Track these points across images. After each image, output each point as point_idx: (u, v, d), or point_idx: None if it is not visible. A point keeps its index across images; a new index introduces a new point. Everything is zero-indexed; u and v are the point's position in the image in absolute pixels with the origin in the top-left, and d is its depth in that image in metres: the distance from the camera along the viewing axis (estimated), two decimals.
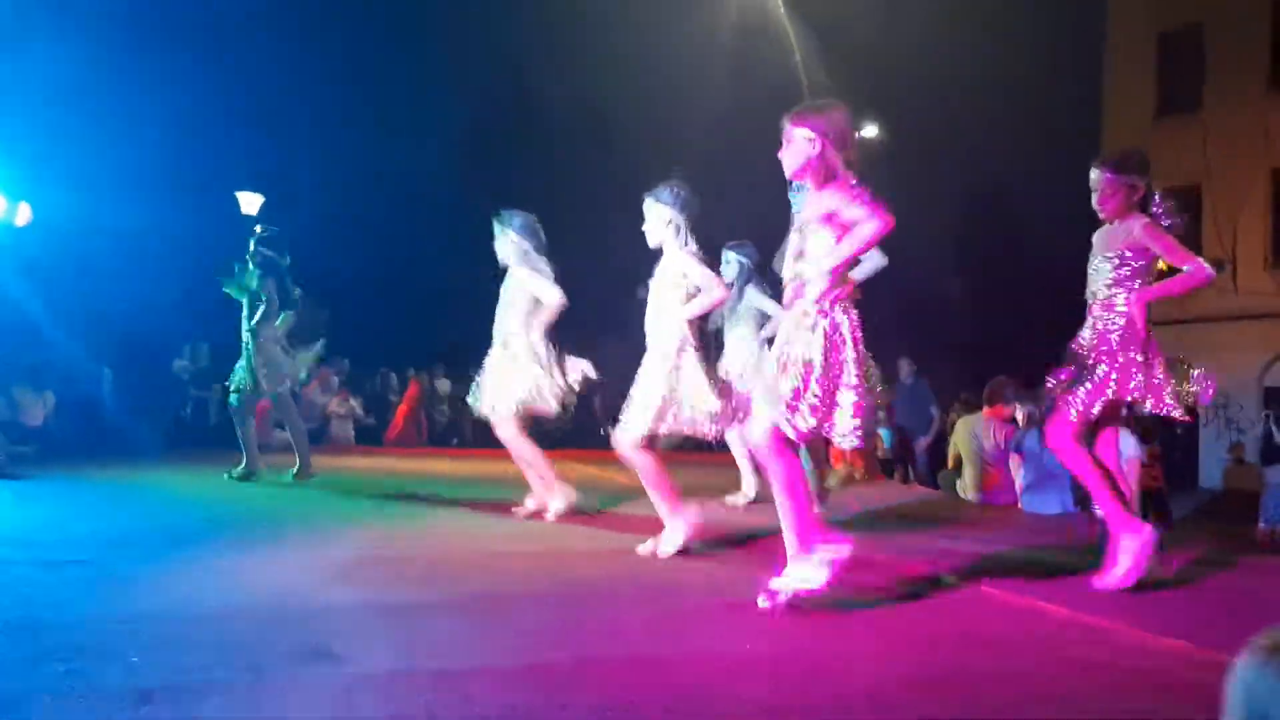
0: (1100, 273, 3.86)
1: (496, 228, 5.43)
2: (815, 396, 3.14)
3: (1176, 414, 3.73)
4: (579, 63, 17.93)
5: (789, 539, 3.25)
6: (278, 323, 6.90)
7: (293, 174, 16.87)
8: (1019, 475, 6.62)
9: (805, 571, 3.18)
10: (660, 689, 2.46)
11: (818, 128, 3.30)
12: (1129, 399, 3.75)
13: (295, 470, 6.94)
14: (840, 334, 3.19)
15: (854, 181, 3.27)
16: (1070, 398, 3.80)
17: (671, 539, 4.25)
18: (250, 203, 16.28)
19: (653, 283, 4.45)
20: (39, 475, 7.09)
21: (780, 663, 2.72)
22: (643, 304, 4.49)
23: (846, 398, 3.18)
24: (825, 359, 3.15)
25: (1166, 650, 2.94)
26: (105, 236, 13.12)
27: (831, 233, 3.26)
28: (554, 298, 5.24)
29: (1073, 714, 2.40)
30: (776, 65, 16.63)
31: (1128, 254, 3.79)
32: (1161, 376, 3.73)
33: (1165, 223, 3.81)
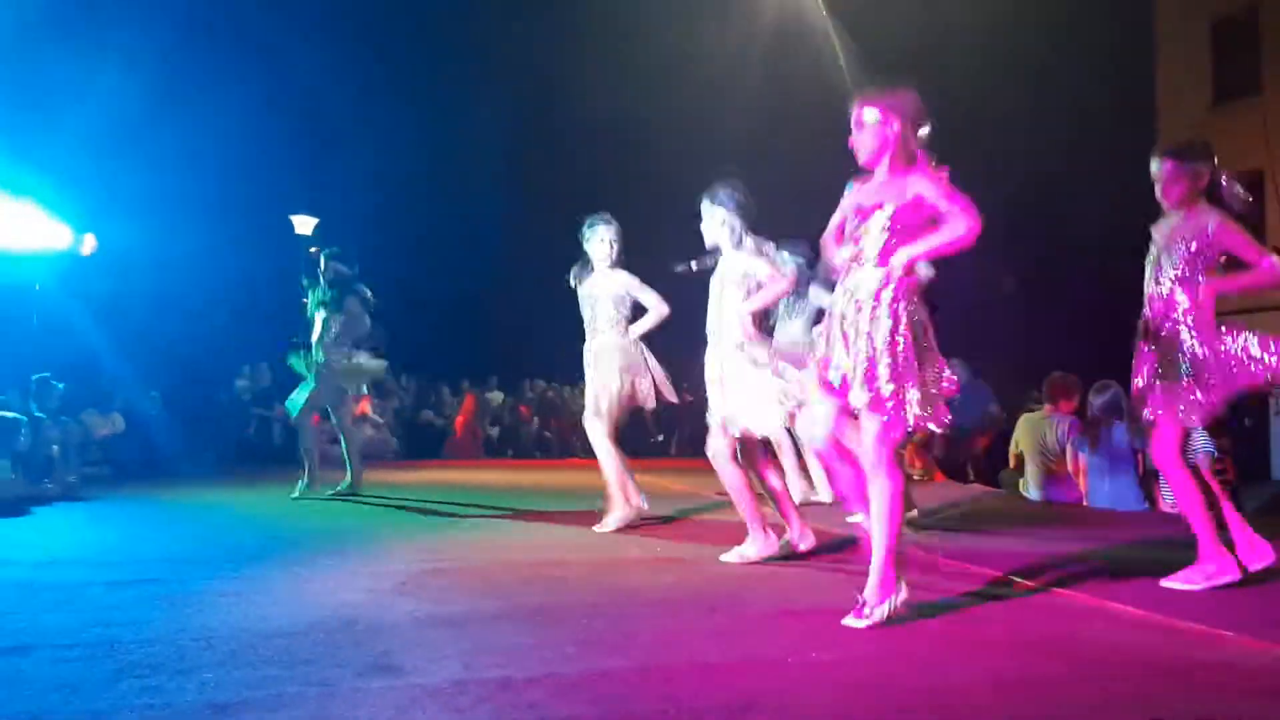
0: (1165, 266, 3.73)
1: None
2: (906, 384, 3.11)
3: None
4: (622, 72, 18.01)
5: (877, 560, 3.14)
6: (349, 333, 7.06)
7: (344, 195, 17.17)
8: (1084, 472, 6.49)
9: (885, 607, 3.10)
10: (725, 696, 2.44)
11: (894, 109, 3.23)
12: (1242, 388, 3.63)
13: (347, 482, 7.06)
14: (907, 321, 3.14)
15: (937, 168, 3.22)
16: (1171, 412, 3.67)
17: (747, 549, 4.28)
18: (304, 225, 16.59)
19: (713, 284, 4.46)
20: (108, 496, 7.29)
21: (847, 669, 2.69)
22: (689, 277, 4.51)
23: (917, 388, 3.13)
24: (894, 343, 3.11)
25: (1243, 648, 2.87)
26: (166, 262, 13.46)
27: (905, 217, 3.19)
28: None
29: (1151, 716, 2.34)
30: (817, 67, 16.55)
31: (1197, 247, 3.66)
32: (1244, 352, 3.62)
33: (1236, 207, 3.70)
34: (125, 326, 11.88)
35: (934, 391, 3.17)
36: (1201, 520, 3.68)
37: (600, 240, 5.44)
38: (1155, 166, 3.77)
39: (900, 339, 3.11)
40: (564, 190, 18.93)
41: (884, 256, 3.17)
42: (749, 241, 4.38)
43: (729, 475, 4.34)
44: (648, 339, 5.45)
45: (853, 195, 3.37)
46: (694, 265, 4.56)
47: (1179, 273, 3.69)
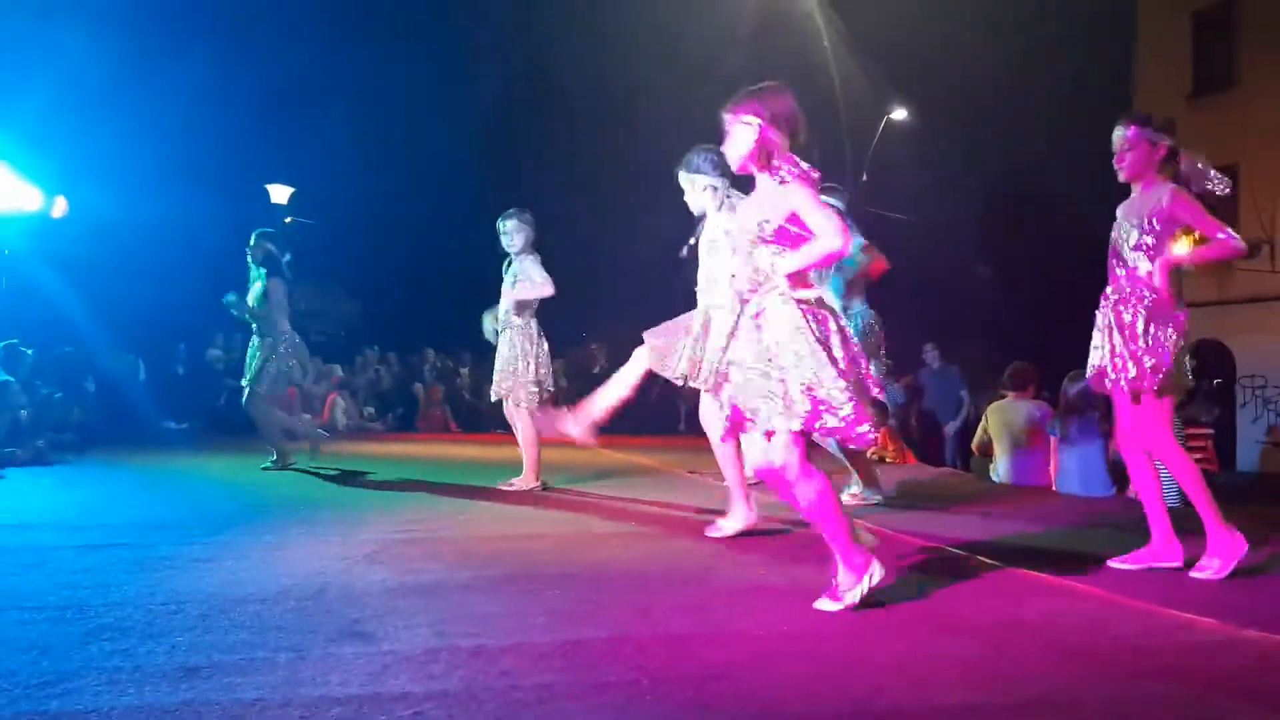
0: (1126, 241, 3.76)
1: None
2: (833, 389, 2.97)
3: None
4: (603, 49, 17.91)
5: (838, 555, 3.07)
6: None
7: (322, 165, 16.98)
8: (1054, 456, 6.57)
9: (858, 590, 3.03)
10: (695, 667, 2.47)
11: (757, 112, 3.13)
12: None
13: (274, 459, 6.99)
14: (811, 335, 3.01)
15: (807, 171, 3.11)
16: (1150, 387, 3.67)
17: (731, 523, 4.34)
18: (280, 194, 16.40)
19: (701, 250, 4.48)
20: (78, 462, 7.23)
21: (816, 643, 2.72)
22: (685, 263, 4.52)
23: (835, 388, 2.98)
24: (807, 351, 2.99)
25: (1205, 630, 2.93)
26: (138, 226, 13.28)
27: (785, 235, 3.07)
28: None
29: (1111, 694, 2.39)
30: (801, 49, 16.53)
31: (1154, 222, 3.68)
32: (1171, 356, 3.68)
33: (1196, 188, 3.72)
34: (97, 292, 11.73)
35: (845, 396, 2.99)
36: (1202, 495, 3.71)
37: (503, 233, 5.85)
38: (1117, 133, 3.79)
39: (804, 354, 2.99)
40: (551, 161, 18.87)
41: (793, 277, 3.06)
42: (732, 201, 4.37)
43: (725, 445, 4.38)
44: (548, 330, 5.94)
45: (742, 209, 3.30)
46: (689, 247, 4.59)
47: (1141, 246, 3.71)
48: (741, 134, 3.17)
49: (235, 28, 17.36)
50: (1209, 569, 3.63)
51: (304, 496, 5.71)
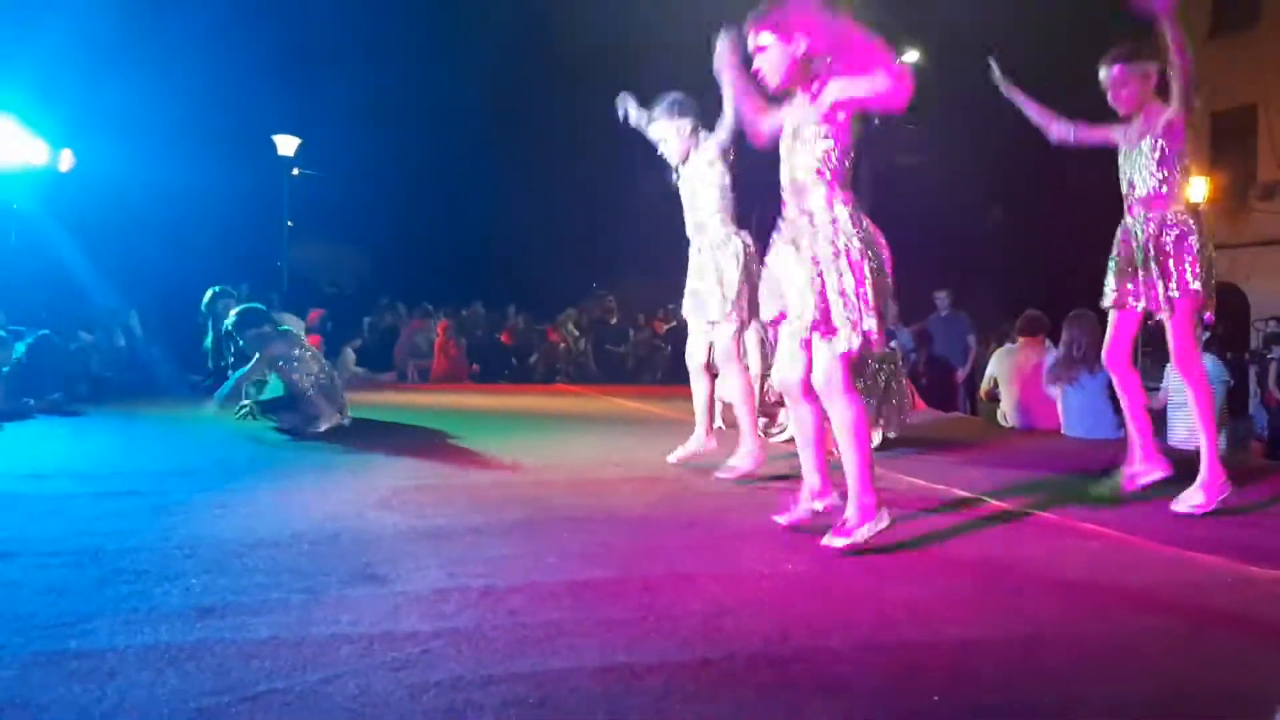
0: (1140, 167, 3.81)
1: None
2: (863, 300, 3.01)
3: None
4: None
5: (853, 486, 3.07)
6: None
7: (330, 116, 16.84)
8: (1060, 400, 6.56)
9: (866, 529, 3.03)
10: (701, 603, 2.51)
11: (791, 25, 3.07)
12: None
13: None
14: (858, 239, 3.04)
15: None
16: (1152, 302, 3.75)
17: (740, 461, 4.44)
18: (287, 145, 16.30)
19: (684, 192, 4.59)
20: (92, 413, 7.28)
21: (823, 582, 2.75)
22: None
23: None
24: (850, 260, 3.01)
25: (1210, 566, 2.95)
26: (146, 180, 13.24)
27: (831, 130, 3.07)
28: None
29: (1114, 628, 2.41)
30: None
31: (1163, 141, 3.75)
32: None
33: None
34: (104, 245, 11.73)
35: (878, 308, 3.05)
36: (1143, 428, 3.83)
37: None
38: (1104, 73, 3.86)
39: (852, 258, 3.02)
40: (559, 114, 18.67)
41: (835, 177, 3.08)
42: (703, 135, 4.53)
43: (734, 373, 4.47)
44: None
45: (781, 118, 3.25)
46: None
47: (1159, 170, 3.76)
48: (778, 50, 3.11)
49: None
50: (1192, 502, 3.67)
51: (317, 445, 5.75)
